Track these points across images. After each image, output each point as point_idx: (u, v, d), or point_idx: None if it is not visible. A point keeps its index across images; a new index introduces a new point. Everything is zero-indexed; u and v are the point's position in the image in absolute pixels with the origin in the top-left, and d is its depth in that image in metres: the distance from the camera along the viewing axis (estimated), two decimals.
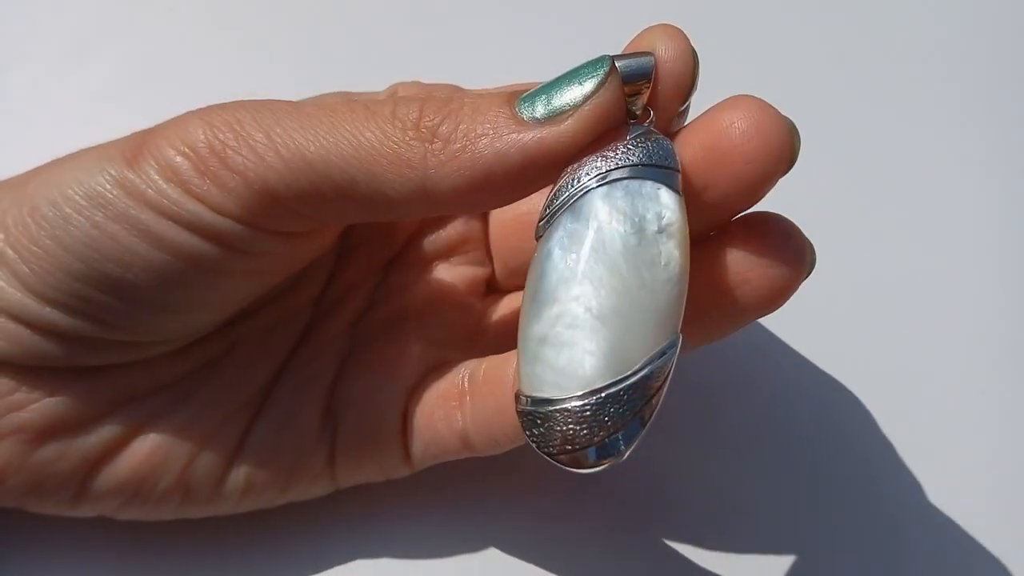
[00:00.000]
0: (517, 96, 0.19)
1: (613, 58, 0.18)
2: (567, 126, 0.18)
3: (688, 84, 0.19)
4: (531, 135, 0.18)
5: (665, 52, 0.18)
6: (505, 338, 0.23)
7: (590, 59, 0.19)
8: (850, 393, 0.27)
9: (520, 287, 0.23)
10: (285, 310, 0.23)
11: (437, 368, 0.23)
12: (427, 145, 0.18)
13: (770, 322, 0.27)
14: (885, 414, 0.27)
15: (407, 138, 0.18)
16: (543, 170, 0.18)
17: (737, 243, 0.19)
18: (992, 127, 0.31)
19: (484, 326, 0.24)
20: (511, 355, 0.21)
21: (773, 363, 0.27)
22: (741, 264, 0.19)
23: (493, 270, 0.25)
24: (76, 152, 0.21)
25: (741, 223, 0.19)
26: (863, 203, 0.30)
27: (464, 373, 0.22)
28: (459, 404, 0.22)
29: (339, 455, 0.23)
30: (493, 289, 0.25)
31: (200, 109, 0.20)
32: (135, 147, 0.19)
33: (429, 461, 0.23)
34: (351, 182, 0.19)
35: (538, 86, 0.19)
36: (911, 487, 0.26)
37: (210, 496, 0.22)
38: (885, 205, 0.30)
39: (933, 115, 0.31)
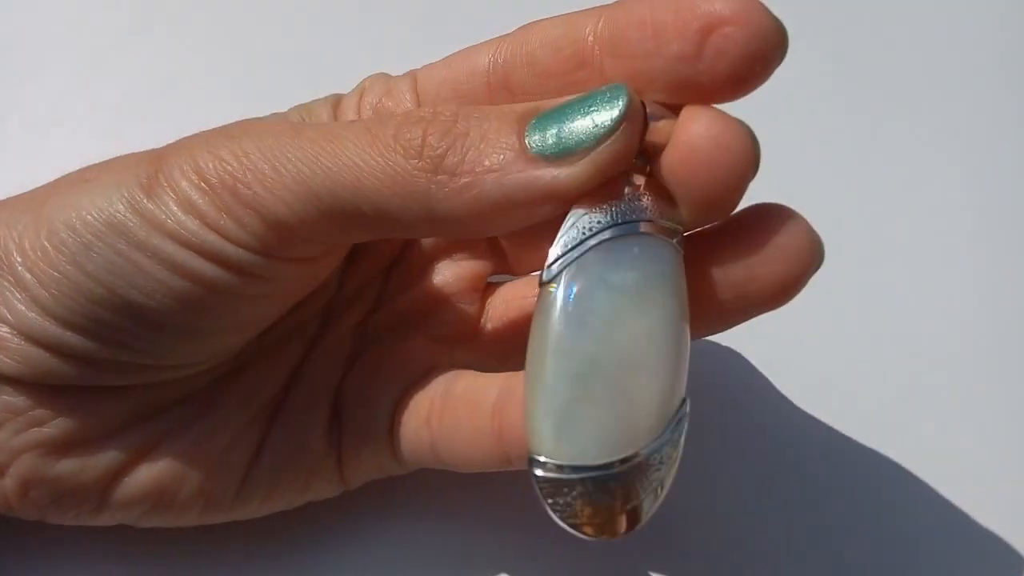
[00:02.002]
0: (527, 120, 0.18)
1: (643, 105, 0.18)
2: (577, 171, 0.18)
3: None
4: (540, 176, 0.18)
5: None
6: (504, 333, 0.23)
7: (607, 88, 0.18)
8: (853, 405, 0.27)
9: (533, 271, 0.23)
10: (297, 318, 0.23)
11: (436, 367, 0.23)
12: (431, 175, 0.18)
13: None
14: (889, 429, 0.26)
15: (410, 167, 0.18)
16: (551, 208, 0.18)
17: (740, 240, 0.19)
18: (987, 127, 0.32)
19: (484, 321, 0.24)
20: (493, 377, 0.21)
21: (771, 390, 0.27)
22: (746, 260, 0.18)
23: (496, 264, 0.24)
24: (88, 170, 0.21)
25: (742, 218, 0.19)
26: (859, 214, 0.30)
27: (441, 385, 0.22)
28: (428, 418, 0.22)
29: (344, 453, 0.23)
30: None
31: (207, 136, 0.20)
32: (150, 174, 0.19)
33: (415, 465, 0.23)
34: (357, 210, 0.18)
35: (549, 109, 0.18)
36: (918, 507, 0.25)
37: (232, 503, 0.23)
38: (878, 215, 0.30)
39: (927, 117, 0.32)
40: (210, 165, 0.19)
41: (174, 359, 0.21)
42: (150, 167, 0.19)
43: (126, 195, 0.19)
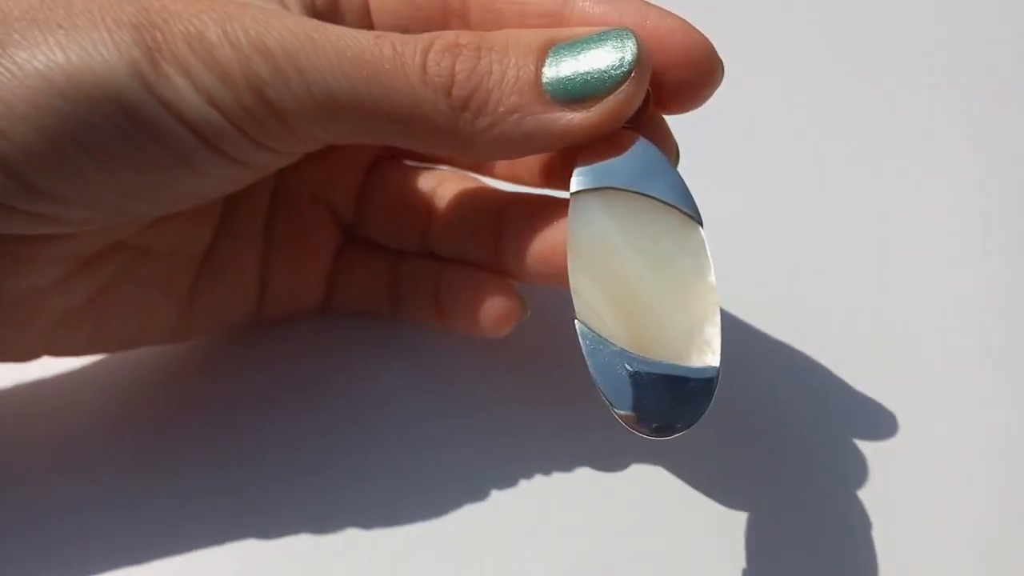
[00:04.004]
0: (543, 59, 0.19)
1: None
2: (591, 117, 0.19)
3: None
4: (556, 119, 0.19)
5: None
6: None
7: (614, 33, 0.19)
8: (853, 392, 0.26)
9: None
10: None
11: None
12: (458, 113, 0.19)
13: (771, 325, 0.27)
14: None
15: (439, 105, 0.19)
16: (569, 146, 0.20)
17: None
18: (987, 124, 0.32)
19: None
20: None
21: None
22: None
23: None
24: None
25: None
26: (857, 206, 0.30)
27: None
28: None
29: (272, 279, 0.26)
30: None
31: (222, 20, 0.19)
32: (151, 44, 0.18)
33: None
34: (376, 126, 0.19)
35: (564, 46, 0.19)
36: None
37: (168, 338, 0.25)
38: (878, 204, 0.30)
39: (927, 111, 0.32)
40: (235, 68, 0.18)
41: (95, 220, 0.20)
42: (148, 36, 0.18)
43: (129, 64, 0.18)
